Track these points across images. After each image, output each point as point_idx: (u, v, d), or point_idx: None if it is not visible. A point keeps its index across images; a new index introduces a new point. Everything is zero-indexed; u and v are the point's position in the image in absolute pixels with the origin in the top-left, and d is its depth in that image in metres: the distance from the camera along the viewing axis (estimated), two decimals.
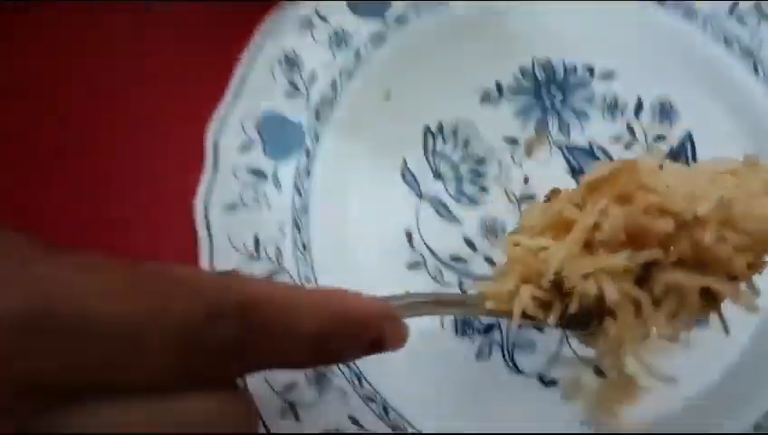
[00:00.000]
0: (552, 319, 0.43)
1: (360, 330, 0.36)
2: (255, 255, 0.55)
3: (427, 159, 0.60)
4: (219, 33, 0.60)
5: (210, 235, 0.54)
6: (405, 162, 0.60)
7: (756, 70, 0.61)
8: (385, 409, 0.53)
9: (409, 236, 0.58)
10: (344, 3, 0.61)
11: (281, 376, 0.52)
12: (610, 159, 0.59)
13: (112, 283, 0.28)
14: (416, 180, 0.59)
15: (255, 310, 0.31)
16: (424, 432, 0.53)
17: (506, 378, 0.55)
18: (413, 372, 0.54)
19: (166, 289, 0.29)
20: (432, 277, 0.57)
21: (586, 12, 0.63)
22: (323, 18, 0.60)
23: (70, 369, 0.27)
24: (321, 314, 0.33)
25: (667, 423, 0.53)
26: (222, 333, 0.29)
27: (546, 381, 0.55)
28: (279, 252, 0.55)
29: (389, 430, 0.52)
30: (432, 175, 0.60)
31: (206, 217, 0.54)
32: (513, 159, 0.59)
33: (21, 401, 0.26)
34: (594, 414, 0.54)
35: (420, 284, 0.57)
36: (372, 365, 0.54)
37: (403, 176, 0.60)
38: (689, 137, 0.61)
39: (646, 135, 0.61)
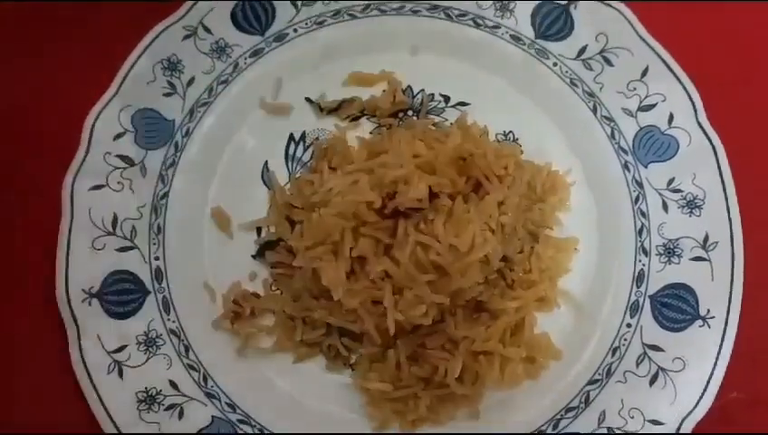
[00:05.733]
0: None
1: None
2: (111, 231, 0.61)
3: (286, 164, 0.67)
4: (115, 31, 0.67)
5: (72, 208, 0.61)
6: (266, 165, 0.66)
7: (595, 110, 0.67)
8: (205, 378, 0.59)
9: (259, 231, 0.65)
10: (228, 18, 0.68)
11: (113, 337, 0.58)
12: None
13: None
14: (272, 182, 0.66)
15: None
16: (235, 401, 0.59)
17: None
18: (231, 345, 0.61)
19: None
20: None
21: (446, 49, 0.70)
22: (208, 30, 0.67)
23: None
24: None
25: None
26: None
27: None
28: (134, 231, 0.62)
29: (204, 398, 0.58)
30: (288, 178, 0.66)
31: (72, 192, 0.61)
32: None
33: None
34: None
35: (265, 274, 0.63)
36: (201, 338, 0.60)
37: (262, 177, 0.66)
38: None
39: None
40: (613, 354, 0.61)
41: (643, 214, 0.64)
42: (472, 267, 0.55)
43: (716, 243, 0.62)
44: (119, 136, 0.64)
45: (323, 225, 0.57)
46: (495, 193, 0.59)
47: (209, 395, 0.59)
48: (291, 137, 0.68)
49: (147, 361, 0.59)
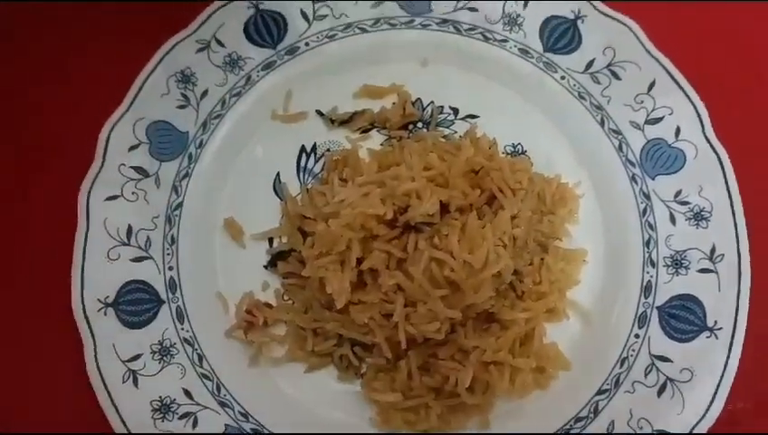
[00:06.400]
0: None
1: None
2: (126, 241, 0.62)
3: (298, 175, 0.68)
4: (130, 44, 0.68)
5: (88, 219, 0.62)
6: (278, 176, 0.67)
7: (603, 123, 0.68)
8: (218, 387, 0.60)
9: (271, 241, 0.65)
10: (241, 31, 0.69)
11: (128, 347, 0.59)
12: None
13: None
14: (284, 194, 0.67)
15: None
16: (248, 410, 0.59)
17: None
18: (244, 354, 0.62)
19: None
20: None
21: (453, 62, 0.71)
22: (221, 43, 0.68)
23: None
24: None
25: None
26: None
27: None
28: (149, 241, 0.63)
29: (218, 407, 0.59)
30: (299, 190, 0.67)
31: (87, 203, 0.62)
32: None
33: None
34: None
35: (277, 284, 0.64)
36: (214, 348, 0.61)
37: (274, 188, 0.67)
38: None
39: None
40: (621, 365, 0.61)
41: (650, 226, 0.65)
42: (485, 283, 0.56)
43: (723, 255, 0.63)
44: (133, 148, 0.65)
45: (331, 235, 0.58)
46: (510, 207, 0.59)
47: (222, 404, 0.59)
48: (302, 148, 0.68)
49: (161, 370, 0.59)
